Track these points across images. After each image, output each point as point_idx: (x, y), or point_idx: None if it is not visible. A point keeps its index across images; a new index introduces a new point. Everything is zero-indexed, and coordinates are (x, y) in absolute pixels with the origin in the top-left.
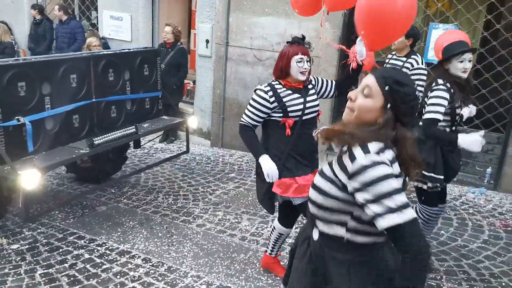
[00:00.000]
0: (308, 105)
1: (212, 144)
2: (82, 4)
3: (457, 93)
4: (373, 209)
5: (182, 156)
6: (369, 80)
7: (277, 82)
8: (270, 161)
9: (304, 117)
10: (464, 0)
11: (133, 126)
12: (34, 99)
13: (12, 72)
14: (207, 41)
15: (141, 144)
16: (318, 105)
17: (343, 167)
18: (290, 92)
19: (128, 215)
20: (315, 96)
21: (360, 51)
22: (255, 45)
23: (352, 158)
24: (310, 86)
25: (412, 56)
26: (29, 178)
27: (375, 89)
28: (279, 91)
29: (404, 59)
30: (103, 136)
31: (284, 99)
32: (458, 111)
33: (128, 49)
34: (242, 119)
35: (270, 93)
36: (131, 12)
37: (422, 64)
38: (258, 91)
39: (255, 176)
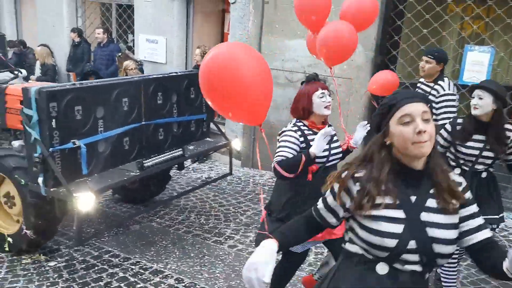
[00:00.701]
0: (332, 151)
1: (242, 164)
2: (119, 28)
3: (466, 130)
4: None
5: (213, 176)
6: (421, 106)
7: (302, 123)
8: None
9: (327, 164)
10: (501, 22)
11: (180, 149)
12: (89, 123)
13: (70, 96)
14: None
15: (184, 166)
16: (341, 152)
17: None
18: (315, 136)
19: (160, 234)
20: (338, 143)
21: (356, 139)
22: (287, 67)
23: (460, 186)
24: (333, 133)
25: (439, 82)
26: (84, 201)
27: (429, 112)
28: (305, 132)
29: (432, 84)
30: (152, 159)
31: (311, 143)
32: (461, 149)
33: (176, 73)
34: (275, 160)
35: (299, 133)
36: (166, 35)
37: (450, 89)
38: (287, 132)
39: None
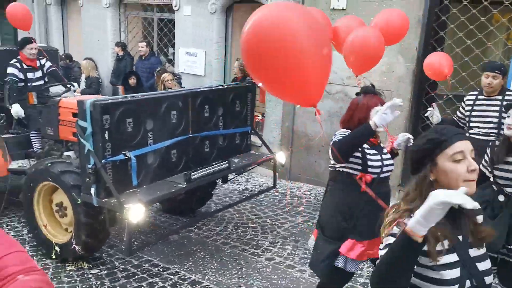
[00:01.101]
0: (385, 162)
1: (279, 176)
2: (160, 41)
3: (500, 152)
4: None
5: (250, 187)
6: (469, 144)
7: None
8: None
9: (381, 175)
10: None
11: (226, 162)
12: (139, 135)
13: (122, 109)
14: None
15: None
16: (393, 164)
17: None
18: (368, 146)
19: (199, 245)
20: (389, 155)
21: (397, 142)
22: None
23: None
24: (383, 145)
25: (508, 93)
26: (135, 212)
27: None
28: None
29: (500, 97)
30: (199, 171)
31: (366, 151)
32: (498, 172)
33: (222, 86)
34: (332, 143)
35: None
36: (205, 48)
37: None
38: (342, 132)
39: (320, 236)
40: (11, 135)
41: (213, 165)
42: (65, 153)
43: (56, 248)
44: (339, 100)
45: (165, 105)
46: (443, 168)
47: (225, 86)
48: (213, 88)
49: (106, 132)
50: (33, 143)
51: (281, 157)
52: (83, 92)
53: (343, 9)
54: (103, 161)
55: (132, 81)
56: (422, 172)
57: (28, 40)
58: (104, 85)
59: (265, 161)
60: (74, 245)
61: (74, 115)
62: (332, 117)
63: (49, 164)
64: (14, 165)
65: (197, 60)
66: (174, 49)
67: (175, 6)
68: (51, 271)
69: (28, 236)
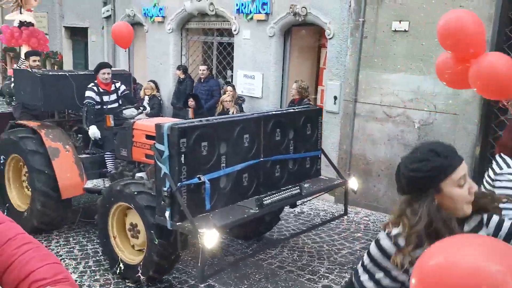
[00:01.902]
0: None
1: (336, 200)
2: (219, 64)
3: None
4: None
5: (306, 210)
6: (465, 164)
7: None
8: None
9: None
10: None
11: (297, 187)
12: (213, 158)
13: (198, 132)
14: (335, 98)
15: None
16: None
17: None
18: None
19: (254, 267)
20: None
21: None
22: (386, 101)
23: None
24: None
25: None
26: (209, 237)
27: None
28: None
29: None
30: (271, 196)
31: None
32: None
33: (293, 109)
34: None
35: None
36: (263, 71)
37: None
38: None
39: None
40: (87, 155)
41: (284, 190)
42: (137, 174)
43: (121, 265)
44: (400, 124)
45: (239, 129)
46: (449, 194)
47: (296, 109)
48: (284, 111)
49: (182, 155)
50: (107, 163)
51: (353, 183)
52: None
53: (405, 31)
54: (178, 184)
55: (191, 103)
56: (428, 197)
57: (103, 65)
58: (165, 106)
59: (336, 187)
60: (139, 273)
61: (148, 137)
62: (392, 141)
63: (124, 185)
64: (89, 184)
65: (254, 83)
66: (232, 72)
67: (235, 31)
68: (112, 286)
69: (92, 250)
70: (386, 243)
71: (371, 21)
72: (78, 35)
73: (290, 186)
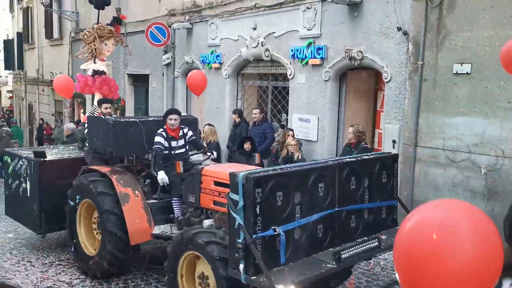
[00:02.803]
0: None
1: None
2: (274, 108)
3: None
4: None
5: (381, 263)
6: None
7: None
8: None
9: None
10: None
11: (375, 239)
12: (287, 209)
13: (274, 181)
14: (394, 142)
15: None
16: None
17: None
18: None
19: None
20: None
21: None
22: (448, 146)
23: None
24: None
25: None
26: None
27: None
28: None
29: None
30: (348, 250)
31: None
32: None
33: (367, 155)
34: None
35: None
36: (318, 114)
37: None
38: None
39: None
40: (155, 201)
41: (360, 242)
42: (205, 221)
43: None
44: (465, 169)
45: (313, 177)
46: None
47: (371, 156)
48: (359, 158)
49: (258, 206)
50: (174, 209)
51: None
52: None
53: (467, 73)
54: (254, 236)
55: (247, 146)
56: None
57: (171, 111)
58: (220, 149)
59: None
60: None
61: (216, 183)
62: (457, 187)
63: (194, 234)
64: (156, 230)
65: (310, 126)
66: (287, 115)
67: (290, 75)
68: None
69: None
70: None
71: (430, 64)
72: (139, 81)
73: (367, 238)
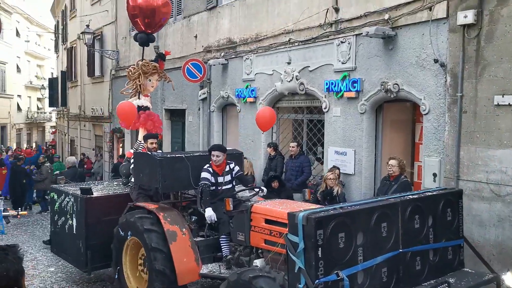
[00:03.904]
0: None
1: None
2: (309, 141)
3: None
4: None
5: None
6: None
7: None
8: None
9: None
10: None
11: (445, 284)
12: (350, 251)
13: (336, 222)
14: (435, 175)
15: None
16: None
17: None
18: None
19: None
20: None
21: None
22: (492, 179)
23: None
24: None
25: None
26: None
27: None
28: None
29: None
30: None
31: None
32: None
33: (429, 190)
34: None
35: None
36: (355, 147)
37: None
38: None
39: None
40: (202, 238)
41: (427, 286)
42: (256, 261)
43: None
44: (511, 203)
45: (376, 216)
46: None
47: (434, 192)
48: (421, 194)
49: (319, 248)
50: (222, 247)
51: (509, 280)
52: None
53: (509, 104)
54: (316, 282)
55: (274, 184)
56: None
57: (214, 147)
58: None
59: (488, 283)
60: None
61: (267, 221)
62: (503, 223)
63: (252, 277)
64: (204, 269)
65: (346, 159)
66: (323, 148)
67: (325, 108)
68: None
69: None
70: None
71: (470, 96)
72: (176, 116)
73: (434, 282)
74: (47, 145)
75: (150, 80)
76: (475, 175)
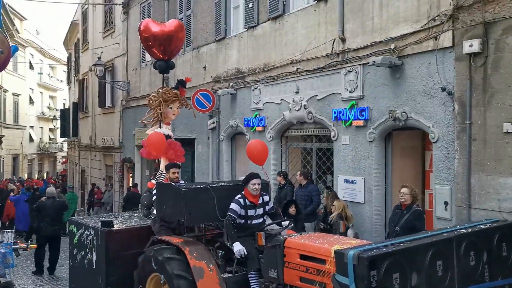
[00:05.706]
0: None
1: None
2: (319, 170)
3: None
4: None
5: None
6: None
7: None
8: None
9: None
10: None
11: None
12: None
13: (389, 261)
14: (446, 204)
15: None
16: None
17: None
18: None
19: None
20: None
21: None
22: (505, 207)
23: None
24: None
25: None
26: None
27: None
28: None
29: None
30: None
31: None
32: None
33: (483, 223)
34: None
35: None
36: (365, 175)
37: None
38: None
39: None
40: (230, 274)
41: None
42: None
43: None
44: None
45: (431, 253)
46: None
47: (488, 225)
48: (475, 227)
49: None
50: (252, 284)
51: None
52: None
53: None
54: None
55: (292, 209)
56: None
57: (252, 175)
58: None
59: None
60: None
61: (302, 257)
62: None
63: None
64: None
65: (356, 187)
66: (332, 177)
67: (333, 137)
68: None
69: None
70: None
71: (478, 123)
72: (186, 145)
73: None
74: (58, 176)
75: (171, 108)
76: (487, 204)
